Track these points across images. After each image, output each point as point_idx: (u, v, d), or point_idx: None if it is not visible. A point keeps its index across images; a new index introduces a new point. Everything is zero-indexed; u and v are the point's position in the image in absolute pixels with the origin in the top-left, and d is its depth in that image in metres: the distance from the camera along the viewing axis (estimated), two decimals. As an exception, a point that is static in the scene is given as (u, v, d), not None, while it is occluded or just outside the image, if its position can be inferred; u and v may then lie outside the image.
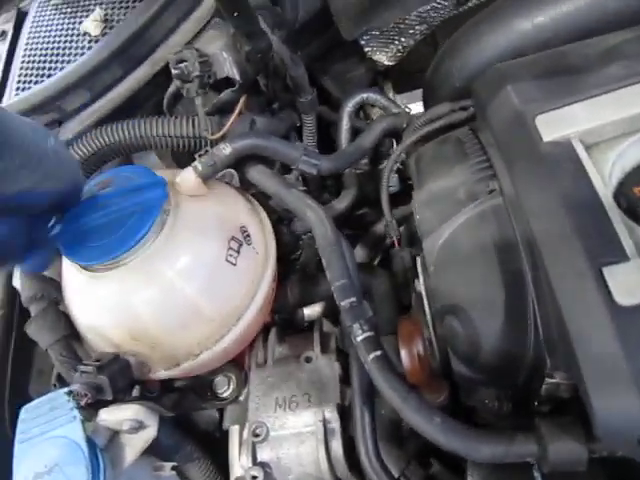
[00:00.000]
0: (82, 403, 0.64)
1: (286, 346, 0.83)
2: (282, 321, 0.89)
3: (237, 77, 0.74)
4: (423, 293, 0.67)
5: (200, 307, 0.69)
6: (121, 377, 0.68)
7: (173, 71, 0.72)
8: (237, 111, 0.76)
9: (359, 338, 0.61)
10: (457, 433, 0.55)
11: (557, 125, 0.61)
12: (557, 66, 0.69)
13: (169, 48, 0.77)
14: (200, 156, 0.73)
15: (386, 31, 1.01)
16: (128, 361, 0.69)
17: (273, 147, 0.75)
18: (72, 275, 0.71)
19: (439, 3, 1.01)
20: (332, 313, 0.91)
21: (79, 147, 0.80)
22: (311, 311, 0.90)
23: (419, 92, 0.95)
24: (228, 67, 0.73)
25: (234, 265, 0.70)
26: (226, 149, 0.72)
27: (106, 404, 0.67)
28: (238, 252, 0.71)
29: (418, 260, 0.72)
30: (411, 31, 1.02)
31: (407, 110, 0.95)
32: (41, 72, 0.85)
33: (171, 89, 0.79)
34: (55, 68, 0.84)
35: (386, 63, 1.05)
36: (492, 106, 0.69)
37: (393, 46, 1.04)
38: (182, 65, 0.71)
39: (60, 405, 0.65)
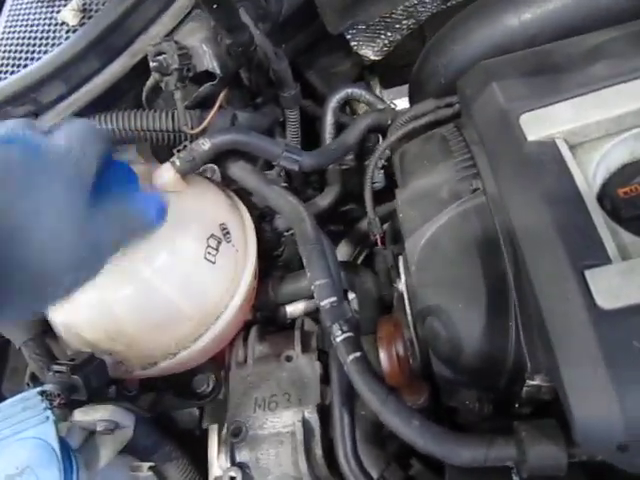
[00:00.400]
0: (55, 403, 0.63)
1: (267, 345, 0.81)
2: (264, 319, 0.88)
3: (217, 70, 0.72)
4: (404, 293, 0.66)
5: (178, 306, 0.68)
6: (96, 377, 0.66)
7: (151, 64, 0.69)
8: (217, 105, 0.74)
9: (338, 339, 0.60)
10: (436, 436, 0.54)
11: (541, 124, 0.60)
12: (542, 64, 0.68)
13: (149, 39, 0.75)
14: (179, 151, 0.71)
15: (372, 25, 1.00)
16: (104, 360, 0.68)
17: (253, 143, 0.74)
18: (46, 272, 0.69)
19: (426, -3, 0.99)
20: (314, 311, 0.90)
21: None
22: (294, 309, 0.89)
23: (406, 87, 0.94)
24: (208, 60, 0.72)
25: (213, 263, 0.69)
26: (205, 144, 0.70)
27: (81, 404, 0.66)
28: (217, 250, 0.70)
29: (400, 259, 0.71)
30: (398, 25, 1.01)
31: (392, 106, 0.94)
32: (17, 62, 0.83)
33: (150, 82, 0.76)
34: (32, 58, 0.82)
35: (372, 58, 1.04)
36: (477, 103, 0.68)
37: (379, 40, 1.02)
38: (160, 57, 0.69)
39: (33, 405, 0.64)
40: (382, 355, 0.62)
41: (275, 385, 0.75)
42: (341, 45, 1.04)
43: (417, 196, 0.71)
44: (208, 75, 0.75)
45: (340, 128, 0.98)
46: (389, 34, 1.01)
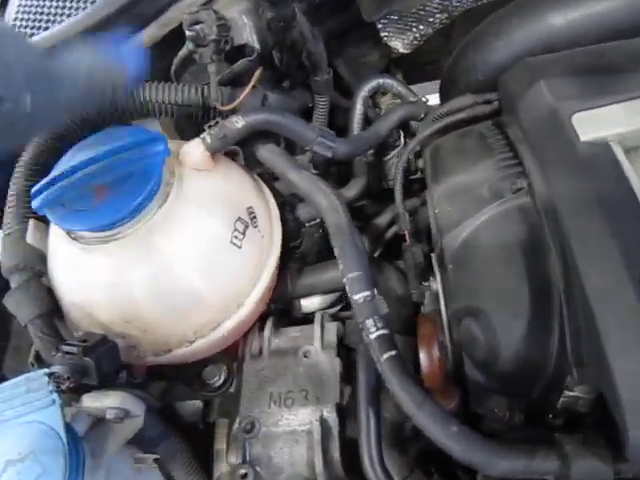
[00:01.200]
0: (63, 387, 0.58)
1: (283, 338, 0.77)
2: (278, 311, 0.84)
3: (256, 45, 0.68)
4: (440, 293, 0.64)
5: (199, 291, 0.64)
6: (108, 361, 0.62)
7: (187, 33, 0.66)
8: (252, 83, 0.70)
9: (372, 336, 0.57)
10: (474, 444, 0.52)
11: (595, 125, 0.58)
12: (594, 64, 0.66)
13: (182, 8, 0.71)
14: (210, 127, 0.67)
15: (405, 16, 0.97)
16: (116, 344, 0.63)
17: (288, 125, 0.70)
18: (61, 245, 0.65)
19: (462, -8, 0.97)
20: (329, 306, 0.87)
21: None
22: (309, 303, 0.85)
23: (429, 85, 0.92)
24: (247, 33, 0.68)
25: (239, 248, 0.65)
26: (238, 122, 0.67)
27: (89, 389, 0.62)
28: (244, 234, 0.66)
29: (433, 257, 0.69)
30: (431, 19, 0.98)
31: (424, 100, 0.91)
32: (37, 24, 0.78)
33: (182, 52, 0.72)
34: (53, 21, 0.78)
35: (401, 50, 1.01)
36: (523, 101, 0.66)
37: (410, 33, 1.00)
38: (198, 27, 0.65)
39: (39, 387, 0.59)
40: (422, 355, 0.59)
41: (291, 380, 0.72)
42: (370, 36, 1.02)
43: (454, 192, 0.69)
44: (241, 52, 0.71)
45: (365, 120, 0.95)
46: (421, 27, 0.99)
